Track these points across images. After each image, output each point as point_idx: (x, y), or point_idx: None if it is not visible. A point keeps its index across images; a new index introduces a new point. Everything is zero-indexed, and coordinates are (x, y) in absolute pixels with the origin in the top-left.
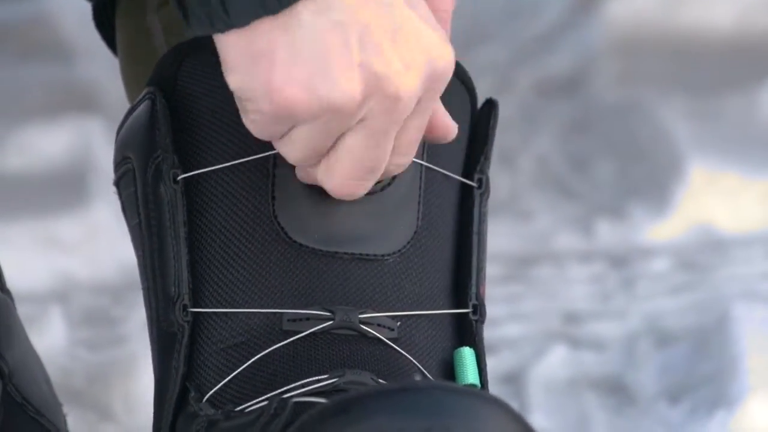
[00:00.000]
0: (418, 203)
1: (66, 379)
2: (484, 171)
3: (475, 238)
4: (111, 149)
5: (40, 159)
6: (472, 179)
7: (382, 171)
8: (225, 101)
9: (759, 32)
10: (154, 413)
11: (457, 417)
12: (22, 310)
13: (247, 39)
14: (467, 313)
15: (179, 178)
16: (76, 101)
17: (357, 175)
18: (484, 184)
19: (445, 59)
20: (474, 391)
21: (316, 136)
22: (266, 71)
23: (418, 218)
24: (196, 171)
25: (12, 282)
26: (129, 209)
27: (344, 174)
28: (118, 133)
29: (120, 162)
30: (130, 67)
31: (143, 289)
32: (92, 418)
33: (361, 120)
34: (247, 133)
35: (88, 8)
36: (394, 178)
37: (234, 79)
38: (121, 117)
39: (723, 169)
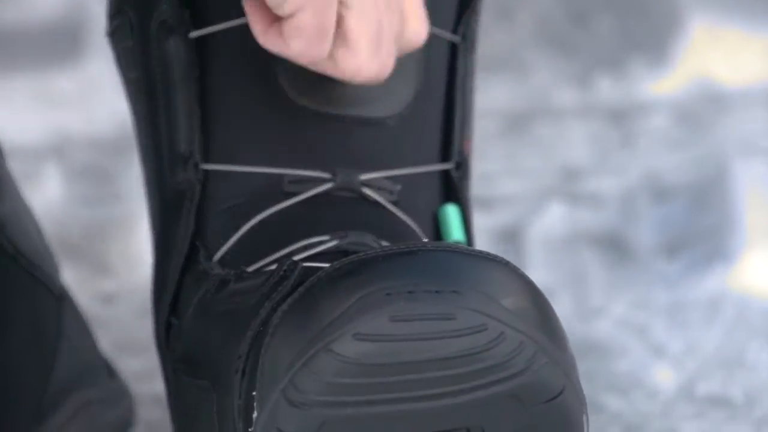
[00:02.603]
0: (419, 66)
1: (63, 234)
2: (469, 24)
3: (458, 93)
4: (104, 3)
5: (34, 13)
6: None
7: (394, 38)
8: None
9: None
10: (155, 270)
11: (466, 279)
12: (18, 166)
13: None
14: (450, 170)
15: (191, 35)
16: None
17: (375, 45)
18: (468, 38)
19: None
20: (483, 253)
21: (322, 5)
22: None
23: (418, 81)
24: (208, 29)
25: (7, 137)
26: (125, 62)
27: (364, 48)
28: None
29: (115, 14)
30: None
31: (141, 144)
32: (89, 273)
33: None
34: None
35: None
36: None
37: None
38: None
39: (724, 24)
